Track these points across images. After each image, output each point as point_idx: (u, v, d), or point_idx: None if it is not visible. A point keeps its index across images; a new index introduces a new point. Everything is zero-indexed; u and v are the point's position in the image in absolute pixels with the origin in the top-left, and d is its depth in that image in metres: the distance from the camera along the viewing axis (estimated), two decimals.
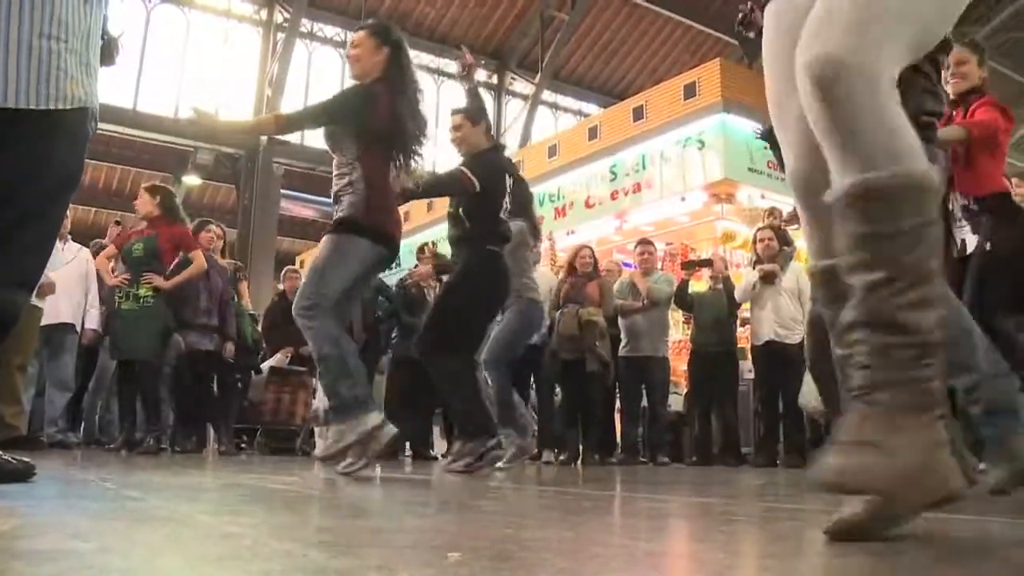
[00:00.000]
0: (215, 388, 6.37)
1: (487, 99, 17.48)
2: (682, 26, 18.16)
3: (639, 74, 18.96)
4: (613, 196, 10.12)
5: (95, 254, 6.29)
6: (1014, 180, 3.86)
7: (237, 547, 1.00)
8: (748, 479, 3.90)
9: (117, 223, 7.28)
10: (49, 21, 1.88)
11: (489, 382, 4.39)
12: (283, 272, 7.73)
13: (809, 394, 3.14)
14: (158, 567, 0.87)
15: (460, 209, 3.89)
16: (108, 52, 2.28)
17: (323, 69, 16.56)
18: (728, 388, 6.33)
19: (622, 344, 6.34)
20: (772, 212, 7.49)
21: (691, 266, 6.78)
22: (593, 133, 10.73)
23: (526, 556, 0.96)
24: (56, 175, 1.97)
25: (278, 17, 16.06)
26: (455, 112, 4.17)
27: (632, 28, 18.30)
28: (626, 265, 8.13)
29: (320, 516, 1.59)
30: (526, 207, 4.73)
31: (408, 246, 7.84)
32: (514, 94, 18.86)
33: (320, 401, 4.23)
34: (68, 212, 3.87)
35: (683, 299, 6.47)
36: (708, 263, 6.64)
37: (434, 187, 3.99)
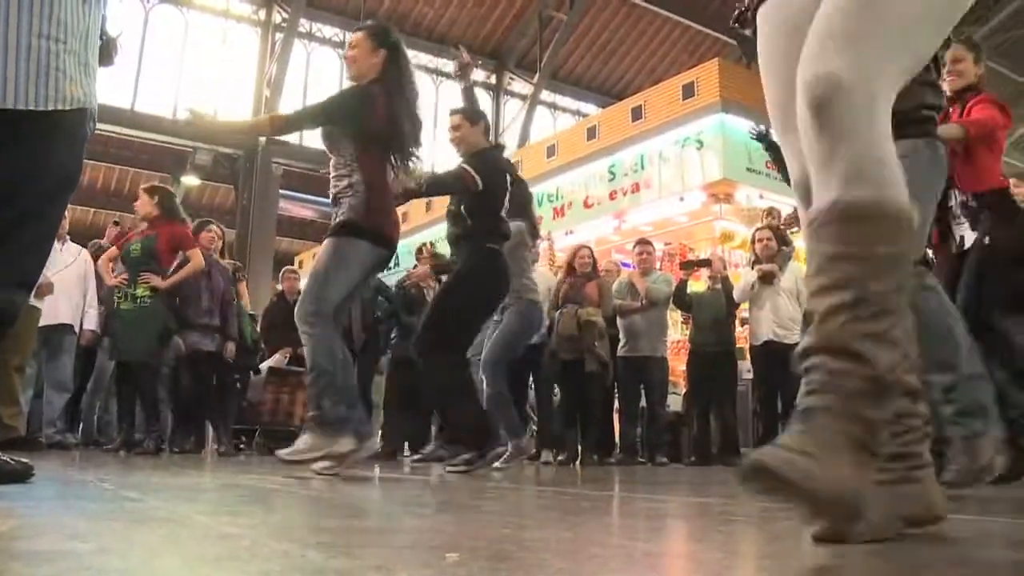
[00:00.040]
0: (214, 389, 6.36)
1: (486, 99, 17.61)
2: (680, 26, 18.17)
3: (637, 74, 18.97)
4: (612, 196, 10.13)
5: (93, 254, 6.30)
6: (1012, 181, 3.86)
7: (235, 548, 1.00)
8: None
9: (115, 223, 7.28)
10: (48, 22, 1.88)
11: (484, 383, 4.38)
12: (281, 272, 7.72)
13: None
14: (156, 568, 0.87)
15: (462, 207, 3.89)
16: (107, 52, 2.27)
17: (321, 69, 16.56)
18: (727, 388, 6.33)
19: (621, 344, 6.34)
20: (770, 212, 7.50)
21: (690, 266, 6.78)
22: (592, 133, 10.73)
23: (524, 556, 0.96)
24: (55, 175, 1.97)
25: (276, 17, 16.05)
26: (454, 112, 4.17)
27: (631, 28, 18.31)
28: (625, 265, 8.14)
29: (318, 516, 1.58)
30: (525, 207, 4.73)
31: (407, 246, 7.84)
32: (512, 94, 18.86)
33: None
34: (66, 212, 3.87)
35: (682, 299, 6.47)
36: (707, 263, 6.64)
37: (436, 186, 3.99)
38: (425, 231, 10.74)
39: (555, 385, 6.45)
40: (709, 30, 17.74)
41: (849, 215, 1.05)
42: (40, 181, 1.93)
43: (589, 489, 2.82)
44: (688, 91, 9.44)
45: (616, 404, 6.62)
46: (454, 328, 3.78)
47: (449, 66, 14.82)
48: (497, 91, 18.60)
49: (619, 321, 6.37)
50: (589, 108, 18.78)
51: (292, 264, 10.75)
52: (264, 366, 7.03)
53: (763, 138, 3.82)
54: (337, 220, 3.23)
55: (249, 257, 14.24)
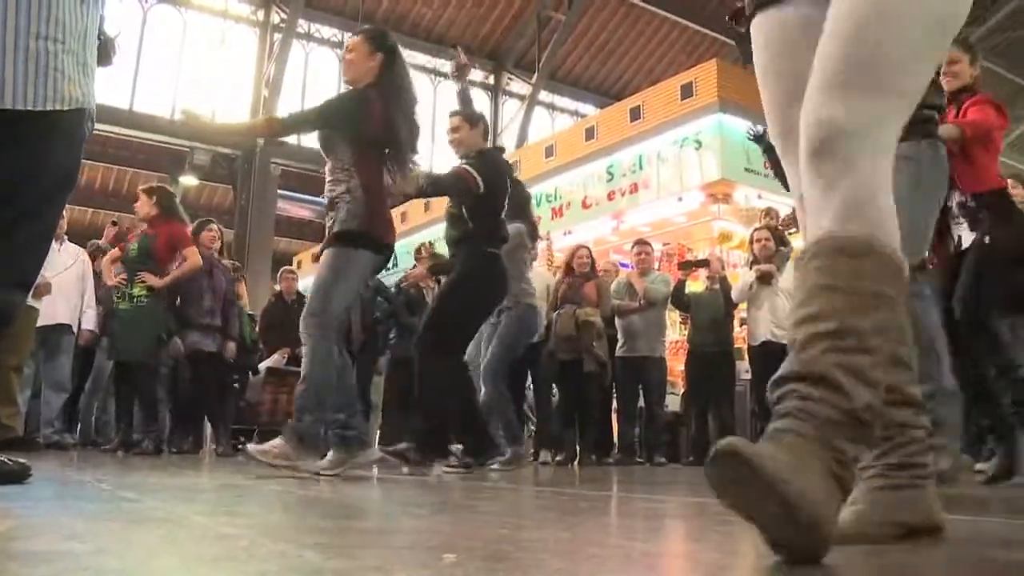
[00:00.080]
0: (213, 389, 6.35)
1: (484, 100, 17.62)
2: (679, 26, 18.17)
3: (636, 74, 18.97)
4: (610, 196, 10.12)
5: (91, 254, 6.29)
6: (1010, 181, 3.88)
7: (233, 548, 1.00)
8: None
9: (113, 223, 7.26)
10: (46, 22, 1.88)
11: (483, 389, 4.39)
12: (279, 273, 7.72)
13: None
14: (154, 568, 0.87)
15: (463, 208, 3.89)
16: (105, 52, 2.27)
17: (320, 70, 16.54)
18: (725, 388, 6.34)
19: (619, 344, 6.34)
20: (769, 212, 7.49)
21: (688, 266, 6.78)
22: (590, 133, 10.73)
23: (522, 557, 0.96)
24: (53, 176, 1.97)
25: (275, 18, 16.03)
26: (453, 114, 4.17)
27: (629, 28, 18.30)
28: (623, 265, 8.13)
29: (316, 517, 1.59)
30: (523, 208, 4.73)
31: (405, 246, 7.84)
32: (511, 95, 18.85)
33: None
34: (64, 212, 3.87)
35: (680, 299, 6.48)
36: (705, 263, 6.65)
37: (438, 187, 3.98)
38: (424, 231, 10.73)
39: (553, 385, 6.46)
40: (707, 30, 17.74)
41: (840, 250, 1.05)
42: (38, 181, 1.93)
43: (587, 489, 2.83)
44: (686, 91, 9.43)
45: (614, 404, 6.63)
46: (453, 330, 3.79)
47: (447, 66, 14.84)
48: (495, 91, 18.59)
49: (617, 321, 6.37)
50: (587, 108, 18.76)
51: (290, 264, 10.75)
52: (262, 366, 7.03)
53: (761, 139, 3.82)
54: (336, 227, 3.22)
55: (247, 257, 14.23)
